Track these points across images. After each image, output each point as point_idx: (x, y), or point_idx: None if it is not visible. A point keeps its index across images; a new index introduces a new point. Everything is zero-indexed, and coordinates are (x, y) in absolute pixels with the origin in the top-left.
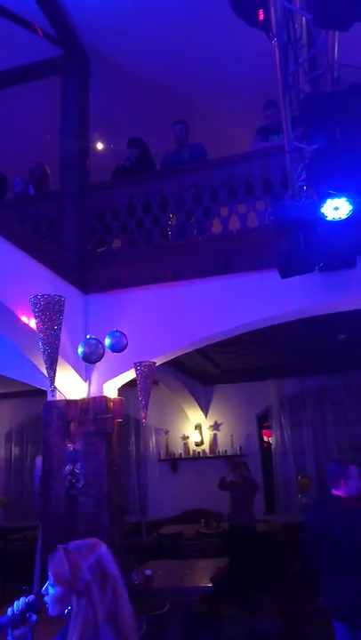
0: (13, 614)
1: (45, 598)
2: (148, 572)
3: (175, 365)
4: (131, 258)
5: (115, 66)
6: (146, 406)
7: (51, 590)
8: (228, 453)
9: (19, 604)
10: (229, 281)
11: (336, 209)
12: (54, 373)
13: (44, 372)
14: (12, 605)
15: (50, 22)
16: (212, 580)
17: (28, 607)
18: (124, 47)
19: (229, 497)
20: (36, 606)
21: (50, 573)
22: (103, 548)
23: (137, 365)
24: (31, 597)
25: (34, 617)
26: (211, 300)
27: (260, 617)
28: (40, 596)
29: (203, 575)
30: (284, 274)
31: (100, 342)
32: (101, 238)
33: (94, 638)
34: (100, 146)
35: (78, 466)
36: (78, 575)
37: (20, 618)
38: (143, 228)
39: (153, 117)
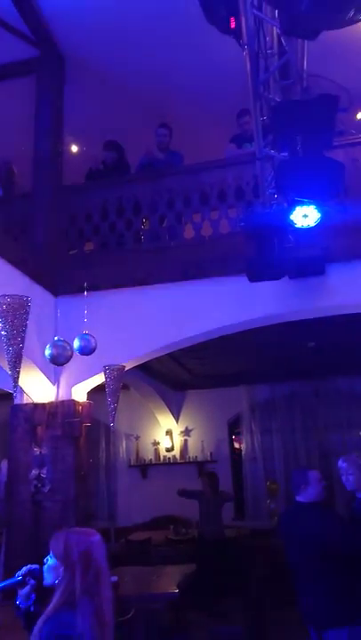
0: (16, 577)
1: (44, 567)
2: (115, 578)
3: (146, 370)
4: (102, 261)
5: (91, 69)
6: (114, 409)
7: (50, 561)
8: (199, 459)
9: (23, 570)
10: (201, 286)
11: (305, 216)
12: (18, 374)
13: (9, 372)
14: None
15: (26, 23)
16: (178, 587)
17: (29, 572)
18: (101, 51)
19: (198, 506)
20: (36, 573)
21: (50, 547)
22: (96, 538)
23: (106, 369)
24: (34, 566)
25: (32, 581)
26: (182, 305)
27: (226, 622)
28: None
29: (169, 581)
30: (253, 278)
31: (69, 344)
32: (73, 241)
33: (72, 605)
34: (74, 148)
35: (45, 470)
36: (69, 555)
37: (22, 581)
38: (116, 232)
39: (128, 121)
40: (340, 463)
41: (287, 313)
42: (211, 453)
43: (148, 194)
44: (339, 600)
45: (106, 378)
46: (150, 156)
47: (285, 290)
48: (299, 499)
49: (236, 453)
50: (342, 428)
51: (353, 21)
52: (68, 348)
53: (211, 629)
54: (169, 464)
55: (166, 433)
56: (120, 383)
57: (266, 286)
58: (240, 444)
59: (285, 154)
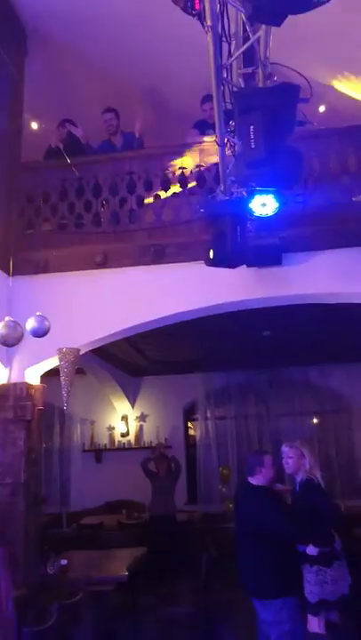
0: None
1: None
2: (64, 561)
3: (103, 355)
4: (60, 242)
5: (53, 46)
6: (68, 393)
7: None
8: (154, 445)
9: None
10: (159, 271)
11: (263, 205)
12: None
13: None
14: None
15: None
16: (128, 569)
17: None
18: (64, 29)
19: (150, 487)
20: None
21: None
22: None
23: (60, 352)
24: None
25: None
26: (140, 290)
27: (175, 604)
28: None
29: (119, 564)
30: (211, 264)
31: (19, 325)
32: (30, 220)
33: None
34: (34, 125)
35: None
36: None
37: None
38: (75, 213)
39: (90, 101)
40: (283, 447)
41: (244, 301)
42: (166, 439)
43: (108, 175)
44: (272, 575)
45: (60, 361)
46: (106, 141)
47: (243, 278)
48: (251, 480)
49: (190, 440)
50: (294, 416)
51: (319, 4)
52: (19, 329)
53: (160, 611)
54: (124, 449)
55: (122, 418)
56: (75, 367)
57: (224, 274)
58: (195, 430)
59: (245, 141)
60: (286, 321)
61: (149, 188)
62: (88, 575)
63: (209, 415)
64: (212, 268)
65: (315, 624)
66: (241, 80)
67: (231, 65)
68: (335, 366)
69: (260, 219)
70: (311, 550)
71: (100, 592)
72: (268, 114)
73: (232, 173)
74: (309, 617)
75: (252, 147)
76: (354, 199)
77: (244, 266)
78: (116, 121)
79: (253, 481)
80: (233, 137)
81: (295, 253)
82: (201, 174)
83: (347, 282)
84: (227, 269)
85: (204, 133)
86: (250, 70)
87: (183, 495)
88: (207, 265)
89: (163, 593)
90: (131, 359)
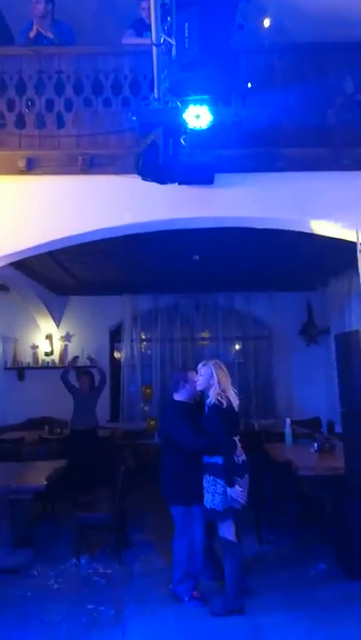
0: None
1: None
2: None
3: (28, 272)
4: None
5: None
6: None
7: None
8: (78, 365)
9: None
10: (87, 182)
11: (197, 117)
12: None
13: None
14: None
15: None
16: (47, 479)
17: None
18: None
19: (73, 402)
20: None
21: None
22: None
23: None
24: None
25: None
26: (66, 201)
27: (92, 511)
28: None
29: (39, 475)
30: (142, 176)
31: None
32: None
33: None
34: None
35: None
36: None
37: None
38: None
39: None
40: (198, 366)
41: (174, 220)
42: (94, 360)
43: (34, 72)
44: (181, 482)
45: None
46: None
47: (174, 196)
48: (175, 396)
49: (115, 361)
50: (218, 341)
51: None
52: None
53: (77, 516)
54: (47, 368)
55: (46, 337)
56: None
57: (154, 190)
58: (120, 352)
59: (180, 40)
60: (216, 246)
61: (79, 90)
62: (7, 484)
63: (134, 337)
64: (143, 183)
65: (224, 530)
66: None
67: None
68: (259, 294)
69: (194, 134)
70: (209, 461)
71: (19, 501)
72: (206, 11)
73: (167, 79)
74: (219, 524)
75: (187, 46)
76: None
77: (176, 184)
78: (51, 6)
79: (177, 396)
80: (169, 37)
81: (228, 174)
82: (135, 80)
83: (279, 208)
84: (157, 185)
85: (141, 35)
86: None
87: (106, 413)
88: (137, 173)
89: (80, 501)
90: (56, 277)
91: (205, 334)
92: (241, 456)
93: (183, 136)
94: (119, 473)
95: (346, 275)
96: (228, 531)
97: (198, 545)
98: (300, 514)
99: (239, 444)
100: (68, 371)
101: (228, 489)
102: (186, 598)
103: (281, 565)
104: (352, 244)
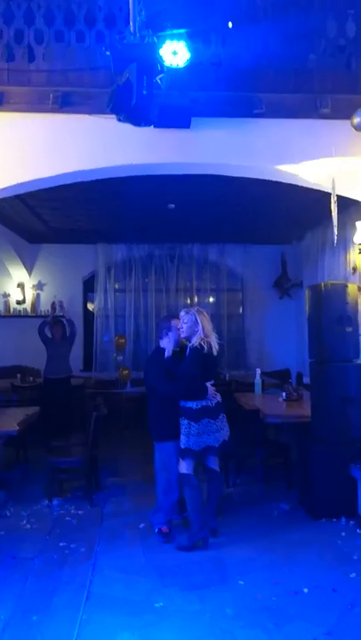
0: None
1: None
2: None
3: None
4: None
5: None
6: None
7: None
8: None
9: None
10: (59, 121)
11: (174, 54)
12: None
13: None
14: None
15: None
16: (19, 425)
17: None
18: None
19: (46, 352)
20: None
21: None
22: None
23: None
24: None
25: None
26: (36, 140)
27: (65, 456)
28: None
29: (11, 420)
30: (112, 109)
31: None
32: None
33: None
34: None
35: None
36: None
37: None
38: None
39: None
40: (180, 313)
41: (149, 165)
42: (61, 308)
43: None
44: (158, 421)
45: None
46: None
47: (149, 139)
48: (161, 344)
49: (89, 311)
50: (192, 292)
51: None
52: None
53: (50, 460)
54: (19, 316)
55: (18, 285)
56: None
57: (129, 133)
58: (93, 302)
59: None
60: (192, 195)
61: (51, 21)
62: None
63: (108, 287)
64: (117, 125)
65: (182, 466)
66: None
67: None
68: (234, 246)
69: (171, 74)
70: (184, 405)
71: None
72: None
73: (144, 10)
74: (180, 460)
75: None
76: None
77: (152, 127)
78: None
79: (161, 343)
80: None
81: (206, 118)
82: (110, 13)
83: (256, 155)
84: (132, 128)
85: None
86: None
87: (79, 362)
88: (109, 110)
89: (53, 446)
90: (27, 223)
91: (179, 285)
92: (215, 399)
93: (160, 75)
94: (91, 419)
95: (321, 229)
96: (184, 467)
97: (174, 480)
98: (266, 459)
99: (213, 388)
100: (47, 323)
101: (194, 429)
102: (156, 530)
103: (246, 506)
104: (328, 197)
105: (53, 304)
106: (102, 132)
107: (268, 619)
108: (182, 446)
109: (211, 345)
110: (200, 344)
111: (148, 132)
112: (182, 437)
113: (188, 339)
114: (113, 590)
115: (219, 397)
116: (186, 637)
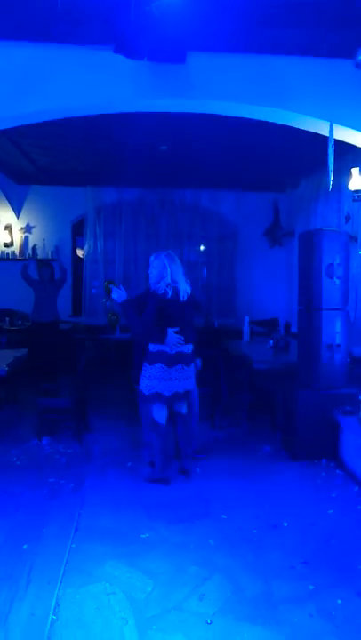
0: None
1: None
2: None
3: None
4: None
5: None
6: None
7: None
8: (39, 257)
9: None
10: (46, 50)
11: None
12: None
13: None
14: None
15: None
16: (8, 366)
17: None
18: None
19: (33, 294)
20: None
21: None
22: None
23: None
24: None
25: None
26: (20, 72)
27: (55, 397)
28: None
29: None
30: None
31: None
32: None
33: None
34: None
35: None
36: None
37: None
38: None
39: None
40: (151, 258)
41: (143, 102)
42: (52, 252)
43: None
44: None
45: None
46: None
47: (143, 74)
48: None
49: (78, 256)
50: (182, 239)
51: None
52: None
53: (40, 401)
54: (7, 259)
55: (5, 228)
56: None
57: (121, 67)
58: (82, 246)
59: None
60: (185, 137)
61: None
62: None
63: (98, 231)
64: (107, 58)
65: (152, 412)
66: None
67: None
68: (227, 193)
69: (165, 3)
70: (151, 348)
71: None
72: None
73: None
74: (151, 406)
75: None
76: None
77: (145, 59)
78: None
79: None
80: None
81: (202, 52)
82: None
83: (254, 94)
84: (123, 61)
85: None
86: None
87: (68, 307)
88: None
89: (43, 388)
90: (15, 162)
91: (170, 232)
92: (176, 348)
93: (154, 4)
94: (81, 362)
95: (316, 177)
96: (155, 412)
97: (145, 423)
98: (252, 404)
99: (177, 336)
100: (28, 265)
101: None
102: (147, 461)
103: (231, 446)
104: (325, 144)
105: (48, 264)
106: (91, 64)
107: (249, 549)
108: (145, 391)
109: (177, 290)
110: (161, 289)
111: (140, 65)
112: (146, 381)
113: (157, 283)
114: (101, 522)
115: (186, 349)
116: (170, 565)
